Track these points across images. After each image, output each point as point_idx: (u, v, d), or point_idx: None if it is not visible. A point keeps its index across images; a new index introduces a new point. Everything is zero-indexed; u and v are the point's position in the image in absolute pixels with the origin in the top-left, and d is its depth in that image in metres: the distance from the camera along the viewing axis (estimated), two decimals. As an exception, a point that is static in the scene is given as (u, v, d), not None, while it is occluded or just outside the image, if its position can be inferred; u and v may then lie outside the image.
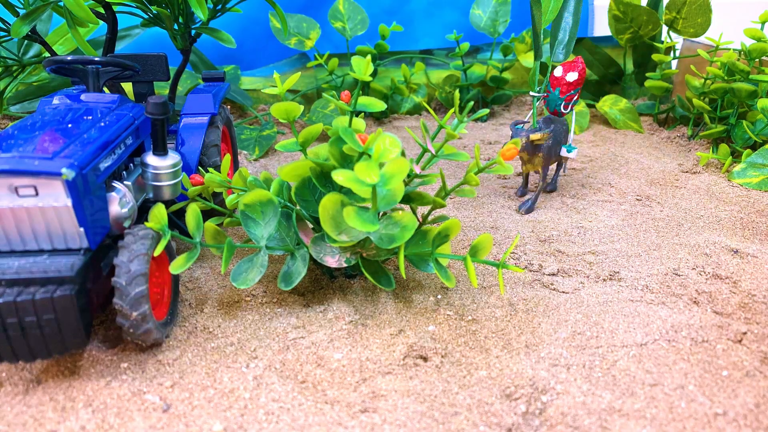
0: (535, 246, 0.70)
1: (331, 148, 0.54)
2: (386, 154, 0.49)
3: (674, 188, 0.88)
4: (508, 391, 0.47)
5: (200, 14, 0.69)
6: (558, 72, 0.79)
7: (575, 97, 0.79)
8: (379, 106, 0.56)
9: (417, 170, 0.57)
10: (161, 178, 0.57)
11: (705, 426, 0.44)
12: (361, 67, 0.53)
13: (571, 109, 0.81)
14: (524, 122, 0.80)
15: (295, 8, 1.26)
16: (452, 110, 0.55)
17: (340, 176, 0.46)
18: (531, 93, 0.81)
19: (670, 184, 0.89)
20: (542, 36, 0.80)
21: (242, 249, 0.63)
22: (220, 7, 0.78)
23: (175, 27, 0.76)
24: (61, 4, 0.65)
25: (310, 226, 0.59)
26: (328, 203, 0.52)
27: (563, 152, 0.81)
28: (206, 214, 0.71)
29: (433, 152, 0.56)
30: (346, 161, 0.54)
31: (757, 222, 0.76)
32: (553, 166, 0.89)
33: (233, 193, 0.62)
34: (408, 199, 0.58)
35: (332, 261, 0.55)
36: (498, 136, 1.13)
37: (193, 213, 0.53)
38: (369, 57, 0.55)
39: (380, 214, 0.54)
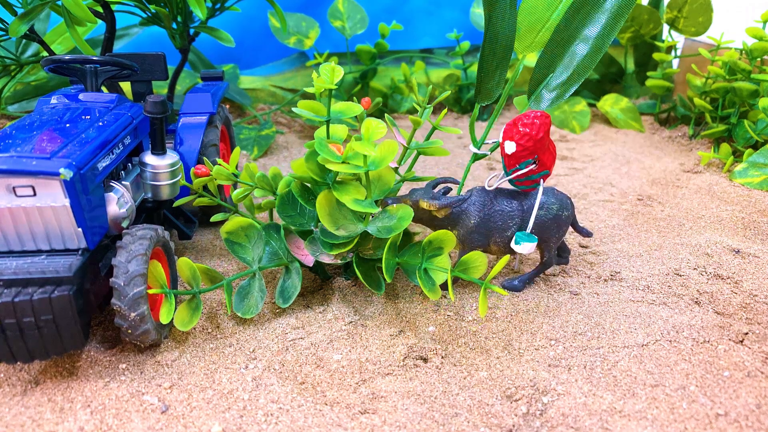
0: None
1: (308, 162, 0.54)
2: (375, 134, 0.50)
3: (675, 188, 0.87)
4: (508, 392, 0.46)
5: (199, 13, 0.69)
6: (501, 136, 0.55)
7: (528, 171, 0.54)
8: (355, 109, 0.53)
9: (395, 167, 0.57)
10: (160, 177, 0.57)
11: (706, 427, 0.43)
12: (329, 74, 0.52)
13: (535, 185, 0.56)
14: (449, 180, 0.58)
15: (295, 7, 1.26)
16: (421, 98, 0.54)
17: (337, 167, 0.49)
18: (471, 147, 0.58)
19: (672, 183, 0.89)
20: (499, 66, 0.53)
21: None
22: (218, 5, 0.77)
23: (174, 26, 0.75)
24: (60, 3, 0.64)
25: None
26: (324, 200, 0.52)
27: (512, 244, 0.56)
28: (211, 209, 0.71)
29: (405, 144, 0.56)
30: (324, 173, 0.54)
31: (758, 222, 0.76)
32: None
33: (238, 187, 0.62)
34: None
35: (328, 258, 0.55)
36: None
37: (186, 265, 0.52)
38: (334, 63, 0.52)
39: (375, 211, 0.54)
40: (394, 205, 0.54)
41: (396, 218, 0.52)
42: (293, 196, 0.58)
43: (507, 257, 0.47)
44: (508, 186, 0.58)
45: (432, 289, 0.52)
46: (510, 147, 0.53)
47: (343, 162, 0.49)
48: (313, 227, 0.57)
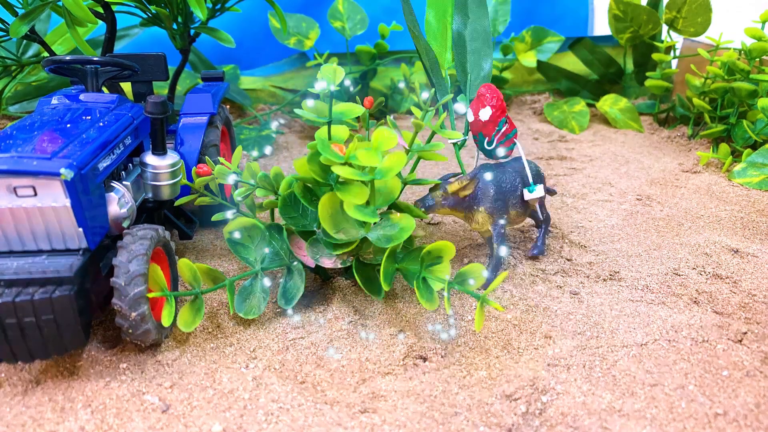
0: (535, 246, 0.70)
1: (310, 163, 0.53)
2: (385, 144, 0.49)
3: (674, 188, 0.87)
4: (508, 391, 0.47)
5: (199, 14, 0.69)
6: (470, 117, 0.62)
7: (505, 130, 0.62)
8: (357, 111, 0.53)
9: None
10: (160, 177, 0.57)
11: (705, 426, 0.44)
12: (331, 76, 0.51)
13: (513, 144, 0.63)
14: (457, 174, 0.63)
15: (295, 8, 1.26)
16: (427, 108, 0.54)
17: (340, 170, 0.48)
18: (450, 141, 0.64)
19: (671, 183, 0.89)
20: (440, 71, 0.63)
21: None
22: (219, 6, 0.78)
23: (174, 27, 0.75)
24: (60, 3, 0.64)
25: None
26: (326, 202, 0.52)
27: (526, 195, 0.62)
28: (213, 208, 0.71)
29: (406, 146, 0.56)
30: (326, 173, 0.54)
31: (757, 222, 0.76)
32: (526, 221, 0.70)
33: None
34: (396, 208, 0.58)
35: (328, 262, 0.55)
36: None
37: (186, 266, 0.52)
38: (335, 64, 0.52)
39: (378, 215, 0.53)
40: (398, 214, 0.54)
41: (398, 228, 0.52)
42: (295, 198, 0.58)
43: (505, 273, 0.47)
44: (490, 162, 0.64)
45: (429, 299, 0.52)
46: (486, 113, 0.61)
47: (345, 163, 0.49)
48: (315, 228, 0.57)
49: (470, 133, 0.64)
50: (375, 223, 0.54)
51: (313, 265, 0.57)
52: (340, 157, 0.49)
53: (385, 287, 0.52)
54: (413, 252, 0.55)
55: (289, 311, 0.55)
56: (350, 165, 0.49)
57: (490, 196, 0.60)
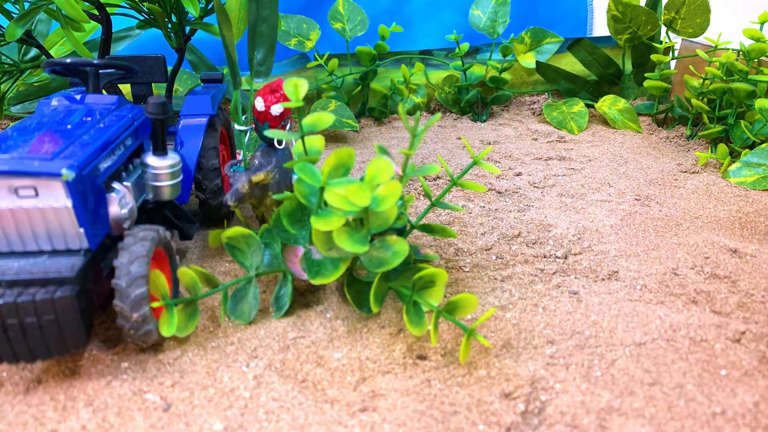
0: (535, 245, 0.70)
1: (297, 184, 0.51)
2: (379, 177, 0.47)
3: (673, 188, 0.88)
4: (507, 390, 0.47)
5: (192, 10, 0.69)
6: (259, 105, 0.64)
7: (288, 126, 0.66)
8: (327, 120, 0.52)
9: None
10: (161, 178, 0.57)
11: (704, 425, 0.44)
12: (293, 92, 0.50)
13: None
14: (239, 161, 0.66)
15: (295, 9, 1.26)
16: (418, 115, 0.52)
17: (331, 196, 0.46)
18: (236, 126, 0.67)
19: (669, 183, 0.89)
20: (236, 59, 0.66)
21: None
22: (211, 6, 0.77)
23: (169, 26, 0.75)
24: (54, 6, 0.65)
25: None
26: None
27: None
28: (213, 211, 0.71)
29: (401, 173, 0.55)
30: (314, 193, 0.52)
31: (755, 222, 0.76)
32: None
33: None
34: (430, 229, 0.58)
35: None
36: (497, 136, 1.14)
37: (186, 275, 0.52)
38: (302, 81, 0.51)
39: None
40: (394, 237, 0.52)
41: (391, 251, 0.50)
42: (288, 214, 0.57)
43: (494, 309, 0.48)
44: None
45: (418, 323, 0.50)
46: (278, 109, 0.63)
47: (321, 187, 0.47)
48: (307, 245, 0.56)
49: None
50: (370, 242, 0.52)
51: (304, 277, 0.56)
52: (320, 181, 0.47)
53: (374, 309, 0.51)
54: (408, 271, 0.54)
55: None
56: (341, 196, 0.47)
57: (276, 180, 0.63)
